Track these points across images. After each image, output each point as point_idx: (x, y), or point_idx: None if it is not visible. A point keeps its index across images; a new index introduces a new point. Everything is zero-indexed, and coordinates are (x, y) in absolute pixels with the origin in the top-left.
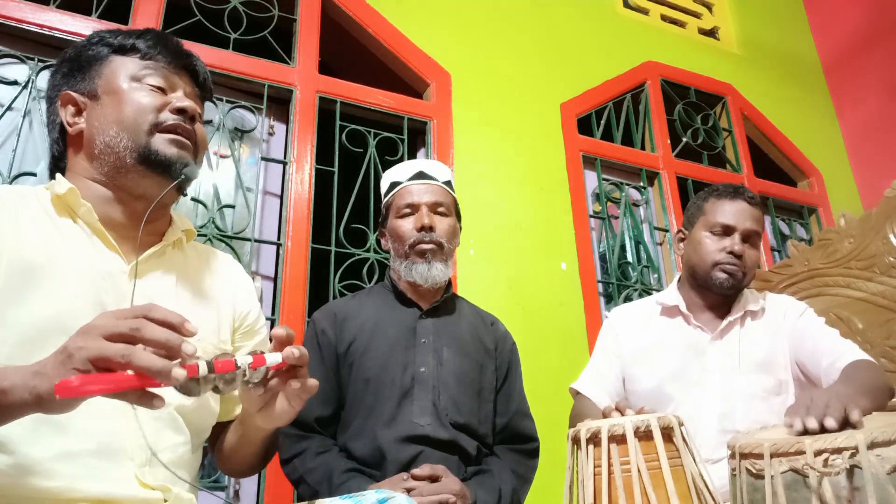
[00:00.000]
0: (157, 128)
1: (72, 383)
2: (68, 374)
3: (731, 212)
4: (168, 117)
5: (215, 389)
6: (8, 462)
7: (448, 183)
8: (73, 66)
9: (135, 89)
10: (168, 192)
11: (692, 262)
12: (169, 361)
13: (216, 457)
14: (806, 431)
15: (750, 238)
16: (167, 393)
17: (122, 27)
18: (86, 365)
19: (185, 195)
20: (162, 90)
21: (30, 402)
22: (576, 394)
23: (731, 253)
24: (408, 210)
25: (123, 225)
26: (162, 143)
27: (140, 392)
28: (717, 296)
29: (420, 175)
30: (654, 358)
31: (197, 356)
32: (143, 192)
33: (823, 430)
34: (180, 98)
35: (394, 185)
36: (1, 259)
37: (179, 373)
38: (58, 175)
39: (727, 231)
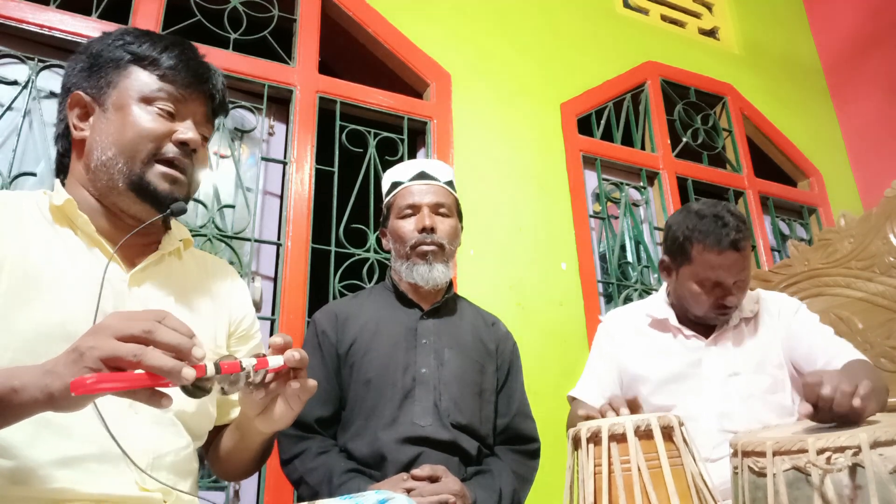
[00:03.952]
0: (155, 157)
1: (87, 381)
2: (81, 373)
3: (719, 266)
4: (169, 150)
5: (220, 391)
6: (9, 466)
7: (450, 183)
8: (92, 63)
9: (143, 111)
10: (154, 221)
11: (684, 302)
12: (179, 362)
13: (210, 460)
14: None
15: (738, 283)
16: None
17: (126, 26)
18: (97, 364)
19: (169, 227)
20: (171, 115)
21: (42, 401)
22: (573, 400)
23: (723, 304)
24: (409, 211)
25: (118, 236)
26: (155, 177)
27: (150, 391)
28: None
29: (422, 175)
30: (651, 365)
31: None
32: (134, 214)
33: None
34: (186, 129)
35: (395, 185)
36: (4, 265)
37: (189, 373)
38: (56, 183)
39: (718, 285)
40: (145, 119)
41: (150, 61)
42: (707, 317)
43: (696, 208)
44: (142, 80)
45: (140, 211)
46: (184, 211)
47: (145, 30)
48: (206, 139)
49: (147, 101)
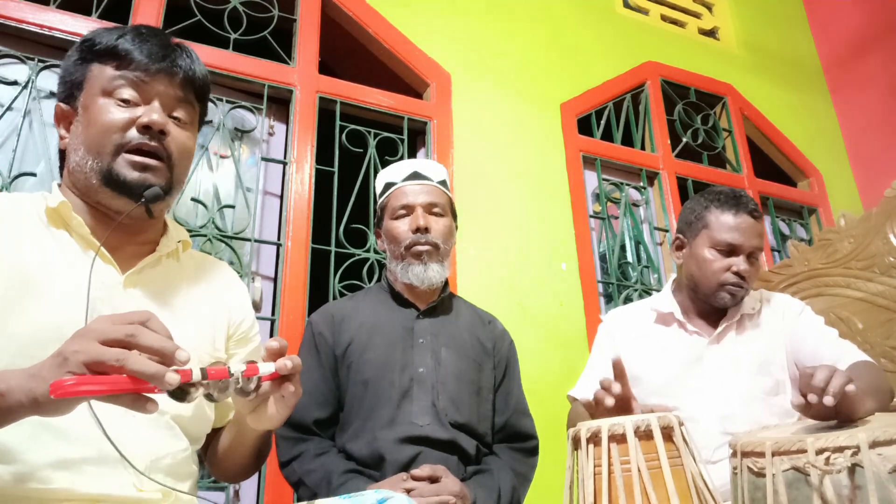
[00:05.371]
0: (122, 148)
1: (66, 383)
2: (64, 377)
3: (735, 228)
4: (133, 136)
5: (209, 397)
6: (8, 468)
7: (443, 182)
8: (64, 74)
9: (104, 106)
10: (132, 212)
11: (694, 277)
12: (163, 366)
13: (209, 461)
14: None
15: (753, 254)
16: (163, 401)
17: (114, 25)
18: (81, 368)
19: (152, 216)
20: (134, 102)
21: (26, 405)
22: (573, 400)
23: (736, 273)
24: (403, 211)
25: (111, 235)
26: (123, 166)
27: (134, 396)
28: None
29: (415, 175)
30: (653, 364)
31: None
32: (117, 210)
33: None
34: (148, 111)
35: (388, 185)
36: (1, 268)
37: (173, 377)
38: (53, 185)
39: (732, 250)
40: (106, 113)
41: (107, 53)
42: (717, 295)
43: (714, 188)
44: (102, 75)
45: (121, 205)
46: (159, 197)
47: (109, 27)
48: (180, 120)
49: (107, 93)
